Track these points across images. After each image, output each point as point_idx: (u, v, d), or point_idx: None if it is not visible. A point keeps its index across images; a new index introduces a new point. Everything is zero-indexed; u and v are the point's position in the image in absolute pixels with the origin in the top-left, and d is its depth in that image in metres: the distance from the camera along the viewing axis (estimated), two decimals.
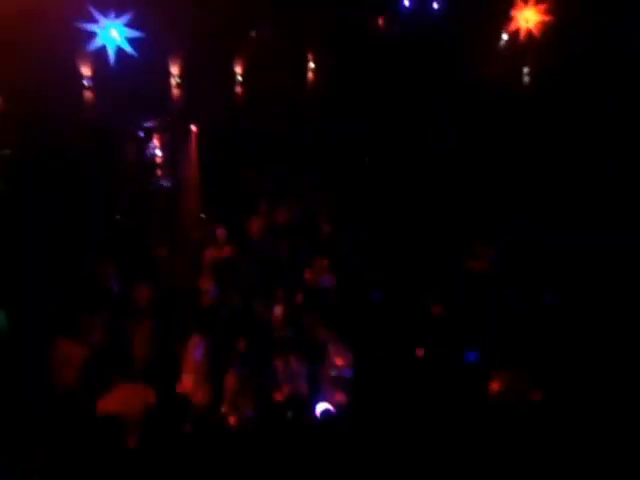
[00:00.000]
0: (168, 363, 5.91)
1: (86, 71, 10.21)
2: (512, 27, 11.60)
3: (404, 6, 12.03)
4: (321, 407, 5.04)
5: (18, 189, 8.91)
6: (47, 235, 7.89)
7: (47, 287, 6.75)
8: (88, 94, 10.36)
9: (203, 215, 9.32)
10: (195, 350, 5.87)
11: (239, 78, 11.92)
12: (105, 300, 6.46)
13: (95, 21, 9.09)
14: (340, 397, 5.42)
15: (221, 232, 8.03)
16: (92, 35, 9.20)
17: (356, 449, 4.72)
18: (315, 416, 5.06)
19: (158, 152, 10.26)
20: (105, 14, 9.08)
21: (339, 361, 5.81)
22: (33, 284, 6.92)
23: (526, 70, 13.70)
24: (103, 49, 9.37)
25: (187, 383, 5.68)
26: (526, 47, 12.04)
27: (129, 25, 9.22)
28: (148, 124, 10.30)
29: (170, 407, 5.39)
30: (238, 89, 11.89)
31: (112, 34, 9.20)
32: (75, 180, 9.38)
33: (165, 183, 10.14)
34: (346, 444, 4.69)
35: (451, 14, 12.22)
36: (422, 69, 11.71)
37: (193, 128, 10.77)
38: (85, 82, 10.28)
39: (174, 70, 11.02)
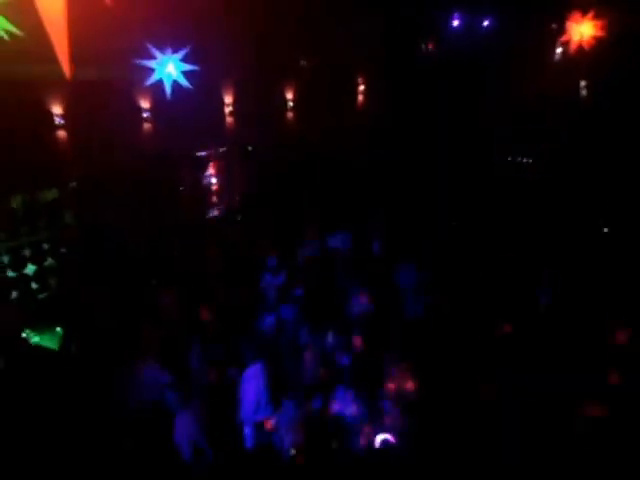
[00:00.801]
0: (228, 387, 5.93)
1: (145, 104, 10.65)
2: (564, 39, 11.33)
3: (453, 27, 11.96)
4: (381, 437, 4.93)
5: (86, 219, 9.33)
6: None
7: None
8: (147, 125, 10.80)
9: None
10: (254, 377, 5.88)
11: (290, 104, 12.15)
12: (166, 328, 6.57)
13: (153, 57, 9.47)
14: (400, 425, 5.27)
15: (273, 259, 8.09)
16: (150, 70, 9.57)
17: None
18: (371, 446, 4.94)
19: (213, 180, 10.51)
20: (162, 50, 9.46)
21: (403, 384, 5.69)
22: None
23: (583, 83, 13.37)
24: (160, 83, 9.75)
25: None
26: (580, 60, 11.73)
27: (184, 59, 9.56)
28: (203, 153, 10.58)
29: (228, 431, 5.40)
30: (290, 115, 12.11)
31: (169, 69, 9.56)
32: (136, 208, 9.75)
33: (222, 210, 10.36)
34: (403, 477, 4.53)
35: (501, 30, 12.05)
36: (474, 88, 11.58)
37: (247, 155, 10.99)
38: (144, 114, 10.70)
39: (227, 99, 11.37)
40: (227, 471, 4.76)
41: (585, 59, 11.41)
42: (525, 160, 11.87)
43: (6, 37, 3.38)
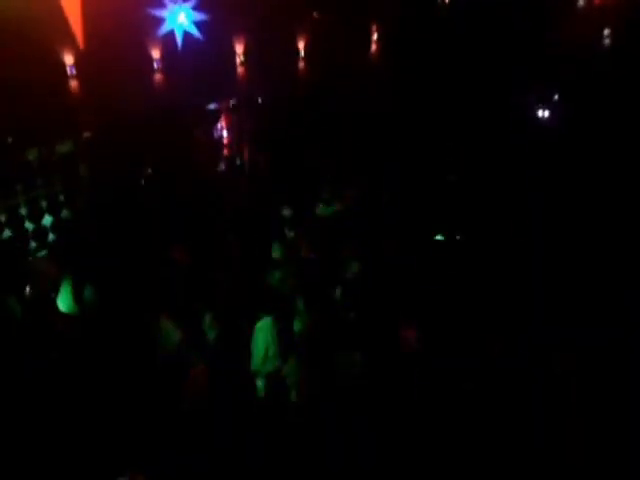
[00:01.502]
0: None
1: (156, 54, 10.59)
2: None
3: None
4: None
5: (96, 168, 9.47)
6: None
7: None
8: (158, 76, 10.77)
9: None
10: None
11: (302, 54, 11.97)
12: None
13: (164, 7, 9.38)
14: None
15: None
16: (161, 20, 9.49)
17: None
18: None
19: (225, 133, 10.52)
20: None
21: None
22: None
23: (607, 32, 12.95)
24: (171, 33, 9.69)
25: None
26: (603, 9, 11.37)
27: (195, 9, 9.46)
28: (215, 105, 10.55)
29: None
30: (301, 65, 11.95)
31: (180, 19, 9.47)
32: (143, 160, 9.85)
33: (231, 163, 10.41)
34: None
35: None
36: (494, 37, 11.25)
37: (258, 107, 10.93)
38: (155, 64, 10.66)
39: (238, 49, 11.23)
40: (239, 422, 5.05)
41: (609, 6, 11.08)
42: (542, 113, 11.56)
43: None
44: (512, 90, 11.23)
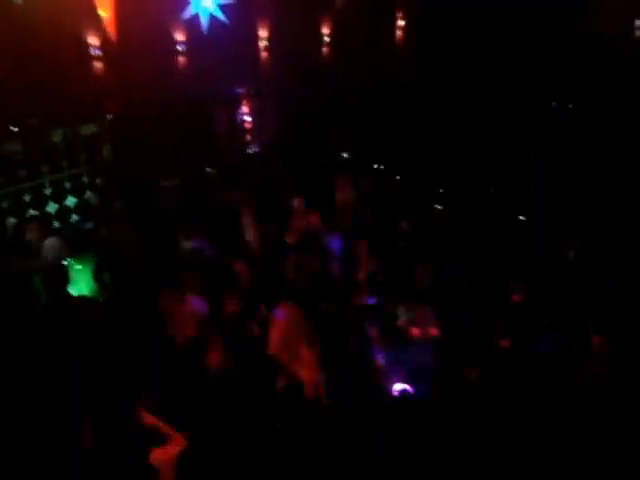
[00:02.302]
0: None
1: (180, 37, 10.56)
2: None
3: None
4: (399, 387, 5.18)
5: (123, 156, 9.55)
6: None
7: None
8: (181, 59, 10.75)
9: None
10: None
11: (326, 39, 11.84)
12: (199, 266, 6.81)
13: None
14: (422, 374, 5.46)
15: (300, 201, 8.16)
16: (186, 3, 9.45)
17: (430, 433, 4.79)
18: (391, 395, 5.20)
19: (247, 118, 10.51)
20: None
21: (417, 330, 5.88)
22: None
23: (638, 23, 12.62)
24: (196, 17, 9.66)
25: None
26: None
27: None
28: (238, 90, 10.53)
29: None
30: (325, 50, 11.84)
31: (205, 2, 9.42)
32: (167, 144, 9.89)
33: (253, 149, 10.42)
34: (421, 427, 4.76)
35: None
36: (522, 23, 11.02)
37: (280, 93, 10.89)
38: (179, 48, 10.63)
39: (262, 34, 11.15)
40: (256, 407, 5.09)
41: None
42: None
43: None
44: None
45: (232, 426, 4.75)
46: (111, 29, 9.71)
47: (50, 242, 7.23)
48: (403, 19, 12.46)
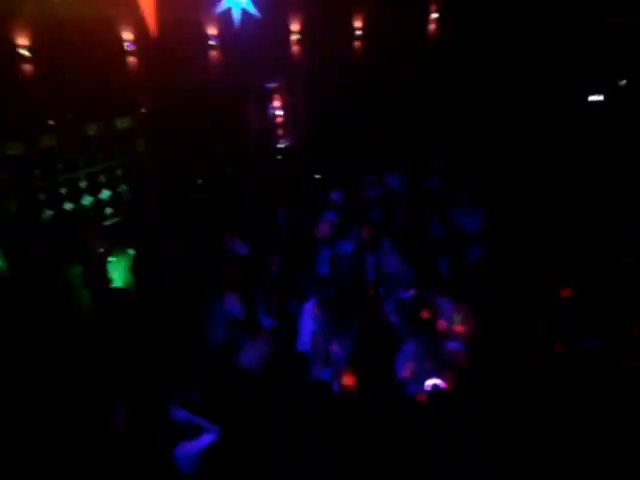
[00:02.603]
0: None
1: (212, 31, 10.60)
2: None
3: None
4: (431, 382, 5.13)
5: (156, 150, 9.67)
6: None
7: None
8: (214, 54, 10.79)
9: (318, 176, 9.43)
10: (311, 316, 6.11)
11: (358, 33, 11.74)
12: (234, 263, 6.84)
13: None
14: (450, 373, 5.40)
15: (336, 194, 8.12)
16: None
17: (461, 430, 4.71)
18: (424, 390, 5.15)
19: (279, 112, 10.51)
20: None
21: (459, 328, 5.80)
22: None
23: None
24: (229, 11, 9.67)
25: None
26: None
27: None
28: (270, 84, 10.53)
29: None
30: (357, 44, 11.73)
31: None
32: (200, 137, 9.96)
33: (285, 143, 10.42)
34: (452, 423, 4.69)
35: None
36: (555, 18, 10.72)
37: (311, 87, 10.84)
38: (211, 42, 10.67)
39: (295, 28, 11.11)
40: (287, 404, 5.10)
41: None
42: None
43: None
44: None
45: (263, 421, 4.79)
46: (149, 23, 9.79)
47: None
48: (437, 11, 12.26)
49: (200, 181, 9.10)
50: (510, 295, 6.27)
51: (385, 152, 9.79)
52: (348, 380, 5.40)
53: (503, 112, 10.34)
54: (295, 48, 11.21)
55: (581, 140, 9.39)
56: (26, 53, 9.06)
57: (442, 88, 10.69)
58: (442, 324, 5.89)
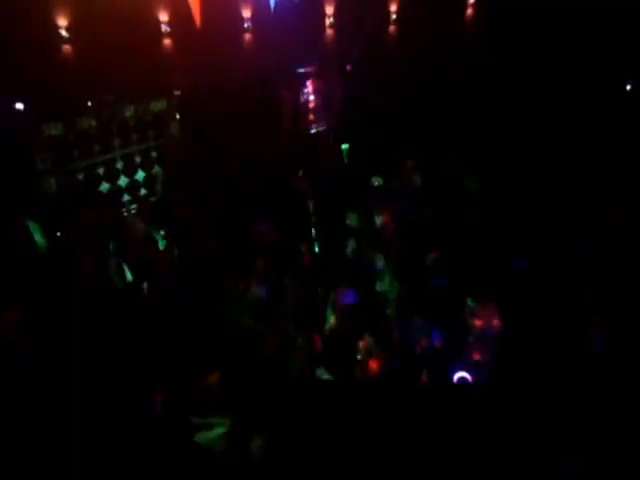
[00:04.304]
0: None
1: (247, 14, 10.60)
2: None
3: None
4: (459, 375, 5.21)
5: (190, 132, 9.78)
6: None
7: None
8: (249, 37, 10.81)
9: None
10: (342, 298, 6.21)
11: (393, 17, 11.61)
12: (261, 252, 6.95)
13: None
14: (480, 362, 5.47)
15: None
16: None
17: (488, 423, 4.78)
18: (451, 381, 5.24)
19: (312, 97, 10.51)
20: None
21: (480, 322, 5.86)
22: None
23: None
24: None
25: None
26: None
27: None
28: (303, 69, 10.52)
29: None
30: (391, 28, 11.62)
31: None
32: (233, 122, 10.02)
33: (318, 128, 10.43)
34: (477, 417, 4.76)
35: None
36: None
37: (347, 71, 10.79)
38: (245, 24, 10.68)
39: (329, 10, 11.05)
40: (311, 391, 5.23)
41: None
42: None
43: None
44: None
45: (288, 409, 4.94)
46: (186, 5, 9.83)
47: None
48: None
49: (234, 166, 9.17)
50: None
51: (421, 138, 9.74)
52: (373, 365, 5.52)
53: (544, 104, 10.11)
54: (330, 32, 11.18)
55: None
56: (64, 34, 9.22)
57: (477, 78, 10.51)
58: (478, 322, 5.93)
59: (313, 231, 7.56)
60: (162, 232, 7.94)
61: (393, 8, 11.64)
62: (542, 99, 10.00)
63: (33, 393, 4.84)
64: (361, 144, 9.38)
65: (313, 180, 8.34)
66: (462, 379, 5.23)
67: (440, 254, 6.52)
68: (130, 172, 9.31)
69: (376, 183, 7.90)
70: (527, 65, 10.56)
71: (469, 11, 12.08)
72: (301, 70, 10.42)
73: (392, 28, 11.57)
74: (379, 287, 6.28)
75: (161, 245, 7.60)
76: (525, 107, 9.94)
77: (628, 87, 10.85)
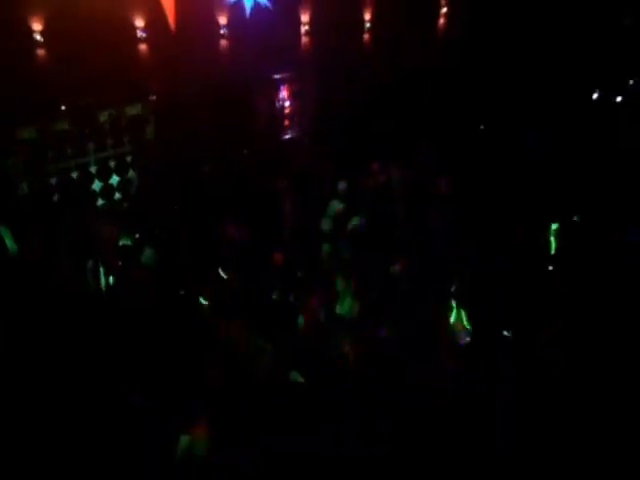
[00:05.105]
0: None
1: (223, 21, 10.68)
2: None
3: None
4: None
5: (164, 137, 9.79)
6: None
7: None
8: (224, 43, 10.89)
9: None
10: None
11: (367, 25, 11.80)
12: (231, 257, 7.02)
13: None
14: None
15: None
16: None
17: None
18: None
19: (287, 103, 10.61)
20: None
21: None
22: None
23: None
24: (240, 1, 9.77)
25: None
26: None
27: None
28: (278, 75, 10.61)
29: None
30: (366, 37, 11.80)
31: None
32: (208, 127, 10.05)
33: (293, 133, 10.52)
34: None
35: None
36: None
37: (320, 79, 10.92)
38: (222, 31, 10.77)
39: (304, 18, 11.20)
40: None
41: None
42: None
43: None
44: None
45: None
46: (162, 11, 9.86)
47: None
48: (447, 5, 12.33)
49: (207, 169, 9.21)
50: None
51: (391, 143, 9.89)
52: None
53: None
54: (305, 39, 11.31)
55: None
56: (38, 38, 9.20)
57: (448, 83, 10.71)
58: None
59: (286, 233, 7.61)
60: (135, 236, 7.92)
61: (367, 16, 11.85)
62: (510, 105, 10.24)
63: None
64: (333, 148, 9.47)
65: (287, 184, 8.39)
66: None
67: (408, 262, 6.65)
68: (104, 176, 9.28)
69: (341, 187, 7.98)
70: (497, 71, 10.77)
71: (441, 20, 12.38)
72: (276, 76, 10.51)
73: (366, 36, 11.78)
74: (338, 310, 6.22)
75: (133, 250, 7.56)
76: (494, 112, 10.18)
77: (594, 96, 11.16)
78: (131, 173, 9.65)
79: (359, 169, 8.44)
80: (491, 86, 10.58)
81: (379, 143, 9.39)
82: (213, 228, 7.56)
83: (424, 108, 10.42)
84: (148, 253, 7.21)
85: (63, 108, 8.89)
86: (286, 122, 10.64)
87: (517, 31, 11.11)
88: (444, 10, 12.48)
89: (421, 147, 9.15)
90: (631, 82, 10.76)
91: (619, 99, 10.62)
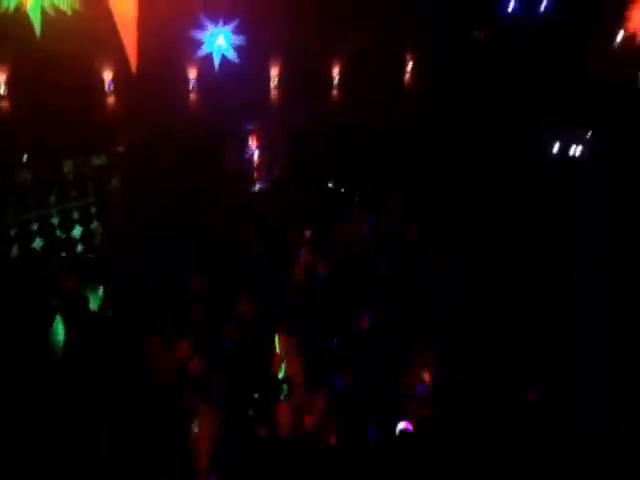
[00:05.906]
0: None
1: (192, 74, 10.82)
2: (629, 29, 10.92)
3: (508, 12, 11.63)
4: (401, 426, 5.12)
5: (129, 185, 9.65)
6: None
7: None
8: (193, 96, 10.98)
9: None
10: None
11: (336, 81, 12.10)
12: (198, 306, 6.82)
13: (205, 29, 9.62)
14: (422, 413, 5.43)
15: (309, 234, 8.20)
16: (200, 43, 9.73)
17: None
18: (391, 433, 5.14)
19: (256, 154, 10.66)
20: (214, 22, 9.59)
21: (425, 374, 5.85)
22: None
23: None
24: (209, 56, 9.92)
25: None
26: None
27: (234, 32, 9.69)
28: (247, 126, 10.71)
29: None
30: (335, 92, 12.07)
31: (219, 41, 9.69)
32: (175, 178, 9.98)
33: (262, 185, 10.52)
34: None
35: (560, 17, 11.61)
36: (529, 75, 11.25)
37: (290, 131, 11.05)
38: (191, 85, 10.88)
39: (273, 72, 11.44)
40: None
41: None
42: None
43: None
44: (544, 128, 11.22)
45: None
46: (130, 63, 9.92)
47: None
48: (413, 60, 12.77)
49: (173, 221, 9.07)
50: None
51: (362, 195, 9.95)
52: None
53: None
54: (273, 92, 11.51)
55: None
56: (2, 89, 9.10)
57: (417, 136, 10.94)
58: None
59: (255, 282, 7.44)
60: (99, 289, 7.64)
61: (335, 71, 12.17)
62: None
63: None
64: (301, 199, 9.49)
65: (256, 233, 8.31)
66: (404, 431, 5.14)
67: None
68: (66, 228, 9.01)
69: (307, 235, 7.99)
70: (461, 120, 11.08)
71: (406, 76, 12.79)
72: (245, 128, 10.59)
73: (335, 91, 12.06)
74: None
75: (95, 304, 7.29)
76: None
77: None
78: (95, 224, 9.43)
79: (328, 218, 8.44)
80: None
81: (348, 193, 9.48)
82: (178, 280, 7.36)
83: (391, 157, 10.60)
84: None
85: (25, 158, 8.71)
86: (255, 174, 10.65)
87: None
88: (409, 66, 12.94)
89: (390, 194, 9.25)
90: None
91: None
